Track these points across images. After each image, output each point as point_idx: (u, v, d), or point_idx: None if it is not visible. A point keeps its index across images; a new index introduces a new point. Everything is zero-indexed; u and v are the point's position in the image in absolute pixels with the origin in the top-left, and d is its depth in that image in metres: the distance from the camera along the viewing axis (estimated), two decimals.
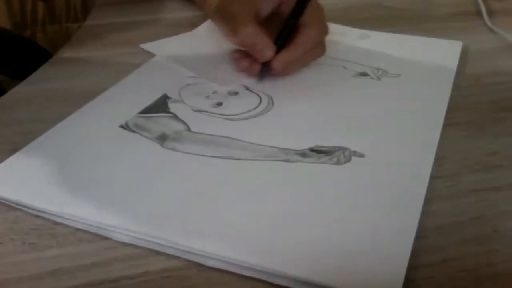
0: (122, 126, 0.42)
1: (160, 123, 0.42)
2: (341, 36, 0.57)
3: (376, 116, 0.43)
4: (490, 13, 0.64)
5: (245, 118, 0.43)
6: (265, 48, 0.44)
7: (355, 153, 0.38)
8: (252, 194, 0.35)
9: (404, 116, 0.43)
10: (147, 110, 0.44)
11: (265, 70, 0.46)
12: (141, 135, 0.41)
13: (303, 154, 0.38)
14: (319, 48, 0.48)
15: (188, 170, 0.37)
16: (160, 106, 0.45)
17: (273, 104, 0.45)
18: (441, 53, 0.54)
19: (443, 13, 0.66)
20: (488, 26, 0.62)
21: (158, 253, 0.31)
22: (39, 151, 0.39)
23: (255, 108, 0.45)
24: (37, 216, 0.34)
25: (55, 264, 0.30)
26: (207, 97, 0.46)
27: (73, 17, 1.48)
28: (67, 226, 0.33)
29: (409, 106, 0.45)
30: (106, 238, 0.32)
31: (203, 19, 0.60)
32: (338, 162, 0.37)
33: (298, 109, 0.44)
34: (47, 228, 0.33)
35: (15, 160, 0.38)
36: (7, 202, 0.34)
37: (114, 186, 0.35)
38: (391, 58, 0.53)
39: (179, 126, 0.42)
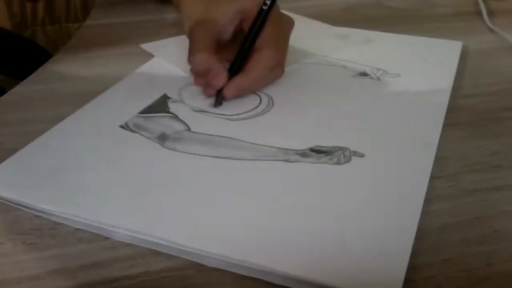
0: (122, 126, 0.42)
1: (160, 123, 0.42)
2: (345, 39, 0.57)
3: (376, 116, 0.43)
4: (490, 13, 0.65)
5: (245, 118, 0.43)
6: (216, 76, 0.44)
7: (355, 153, 0.38)
8: (252, 194, 0.35)
9: (404, 116, 0.43)
10: (147, 110, 0.44)
11: (219, 95, 0.45)
12: (141, 135, 0.41)
13: (303, 154, 0.38)
14: (276, 70, 0.46)
15: (188, 170, 0.37)
16: (160, 106, 0.45)
17: (273, 104, 0.45)
18: (441, 53, 0.54)
19: (443, 13, 0.66)
20: (488, 26, 0.62)
21: (158, 253, 0.31)
22: (39, 151, 0.39)
23: (255, 108, 0.45)
24: (37, 216, 0.34)
25: (55, 264, 0.30)
26: (205, 98, 0.46)
27: (73, 17, 1.48)
28: (67, 226, 0.33)
29: (409, 106, 0.45)
30: (106, 238, 0.32)
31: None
32: (338, 162, 0.37)
33: (298, 109, 0.44)
34: (47, 228, 0.33)
35: (15, 160, 0.38)
36: (7, 202, 0.34)
37: (114, 186, 0.35)
38: (391, 58, 0.53)
39: (179, 126, 0.42)
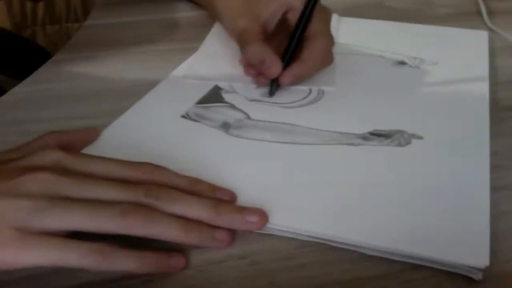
0: (183, 116, 0.42)
1: (220, 112, 0.43)
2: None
3: (425, 102, 0.45)
4: (490, 13, 0.64)
5: (300, 106, 0.45)
6: (272, 65, 0.45)
7: (414, 136, 0.39)
8: (321, 177, 0.36)
9: (451, 102, 0.45)
10: (204, 101, 0.45)
11: (274, 84, 0.46)
12: (204, 124, 0.41)
13: (364, 137, 0.40)
14: (327, 57, 0.48)
15: (256, 155, 0.38)
16: (215, 96, 0.46)
17: (323, 92, 0.46)
18: (470, 42, 0.56)
19: (443, 13, 0.66)
20: (488, 26, 0.62)
21: None
22: (106, 144, 0.39)
23: (306, 96, 0.46)
24: None
25: None
26: (258, 87, 0.47)
27: (73, 17, 1.48)
28: None
29: (454, 93, 0.46)
30: (106, 238, 0.32)
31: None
32: (399, 144, 0.39)
33: (348, 97, 0.46)
34: None
35: None
36: None
37: (185, 174, 0.35)
38: (424, 47, 0.55)
39: (238, 115, 0.43)
